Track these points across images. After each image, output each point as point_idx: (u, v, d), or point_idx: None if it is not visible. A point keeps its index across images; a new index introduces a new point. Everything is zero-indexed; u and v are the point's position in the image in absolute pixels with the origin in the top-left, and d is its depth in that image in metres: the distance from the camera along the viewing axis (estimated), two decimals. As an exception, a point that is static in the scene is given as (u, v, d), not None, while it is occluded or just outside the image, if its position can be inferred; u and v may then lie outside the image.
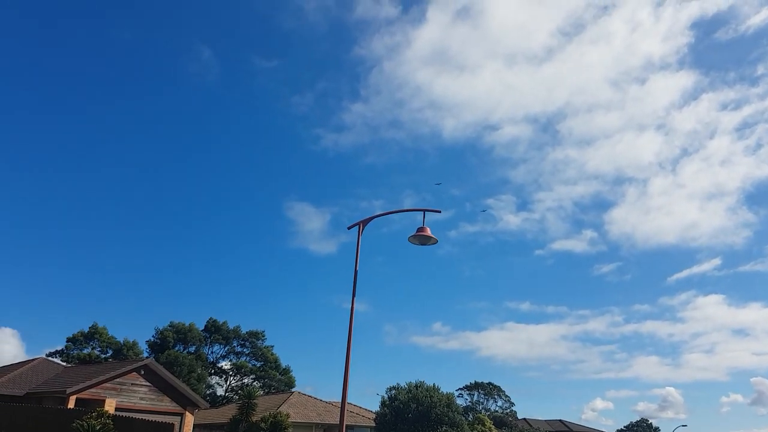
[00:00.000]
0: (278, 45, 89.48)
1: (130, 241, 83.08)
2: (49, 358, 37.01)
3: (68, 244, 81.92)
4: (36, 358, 33.51)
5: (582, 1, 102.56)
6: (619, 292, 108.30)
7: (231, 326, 57.11)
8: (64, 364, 40.00)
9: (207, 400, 45.26)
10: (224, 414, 36.01)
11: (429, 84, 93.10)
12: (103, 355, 50.12)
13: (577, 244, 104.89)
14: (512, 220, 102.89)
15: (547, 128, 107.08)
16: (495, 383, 71.62)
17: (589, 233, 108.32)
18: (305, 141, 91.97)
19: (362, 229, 13.34)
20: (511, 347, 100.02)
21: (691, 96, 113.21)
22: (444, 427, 32.03)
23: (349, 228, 13.57)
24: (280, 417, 28.92)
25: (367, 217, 13.34)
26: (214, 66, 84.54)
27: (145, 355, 50.31)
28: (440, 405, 32.81)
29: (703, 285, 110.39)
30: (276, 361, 56.76)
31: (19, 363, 33.28)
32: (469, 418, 43.60)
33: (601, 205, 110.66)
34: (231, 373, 56.21)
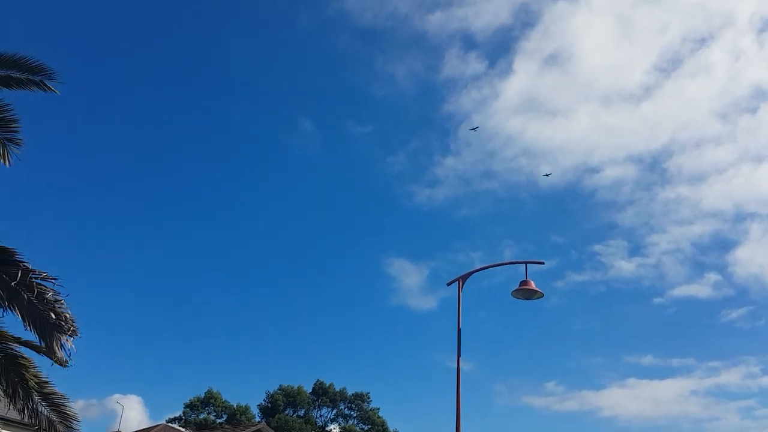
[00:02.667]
0: (372, 111, 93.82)
1: (238, 306, 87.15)
2: (170, 425, 38.71)
3: (183, 311, 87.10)
4: (158, 425, 35.13)
5: (676, 36, 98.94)
6: (752, 340, 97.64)
7: (337, 388, 57.19)
8: (183, 430, 41.61)
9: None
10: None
11: (521, 132, 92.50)
12: (218, 420, 51.72)
13: (701, 289, 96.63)
14: (625, 266, 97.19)
15: (654, 167, 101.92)
16: (620, 445, 65.78)
17: (712, 276, 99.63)
18: (400, 197, 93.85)
19: (462, 285, 12.98)
20: (636, 406, 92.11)
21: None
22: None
23: (448, 284, 13.26)
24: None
25: (467, 272, 12.98)
26: (315, 136, 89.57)
27: (257, 419, 51.31)
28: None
29: None
30: (383, 425, 55.79)
31: (143, 430, 35.01)
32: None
33: (723, 244, 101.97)
34: (340, 437, 55.87)
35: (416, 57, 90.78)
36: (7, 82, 10.46)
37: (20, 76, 10.58)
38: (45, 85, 10.94)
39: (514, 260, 12.67)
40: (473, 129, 67.83)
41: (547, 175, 68.64)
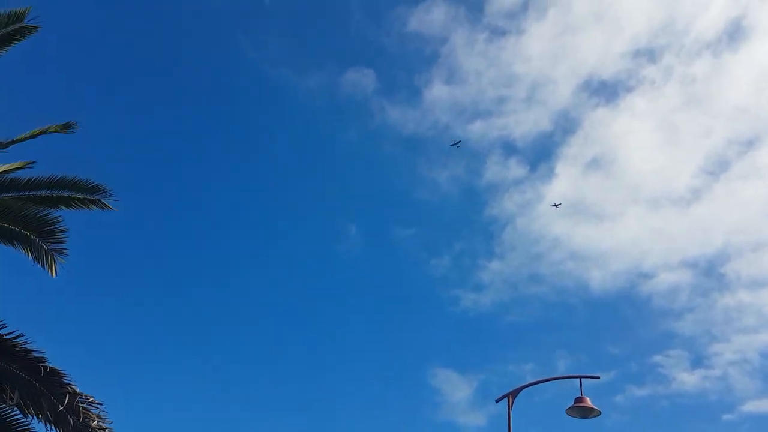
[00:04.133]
0: (415, 214, 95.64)
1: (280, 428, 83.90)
2: None
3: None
4: None
5: (720, 140, 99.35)
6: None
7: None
8: None
9: None
10: None
11: (568, 235, 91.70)
12: None
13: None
14: (688, 379, 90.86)
15: (710, 272, 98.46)
16: None
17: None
18: (444, 303, 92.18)
19: (512, 402, 12.36)
20: None
21: None
22: None
23: (497, 401, 12.66)
24: None
25: (517, 387, 12.41)
26: (358, 241, 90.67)
27: None
28: None
29: None
30: None
31: None
32: None
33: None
34: None
35: (458, 162, 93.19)
36: (68, 202, 10.96)
37: (80, 197, 11.09)
38: (102, 203, 11.42)
39: (567, 375, 12.10)
40: (456, 144, 64.22)
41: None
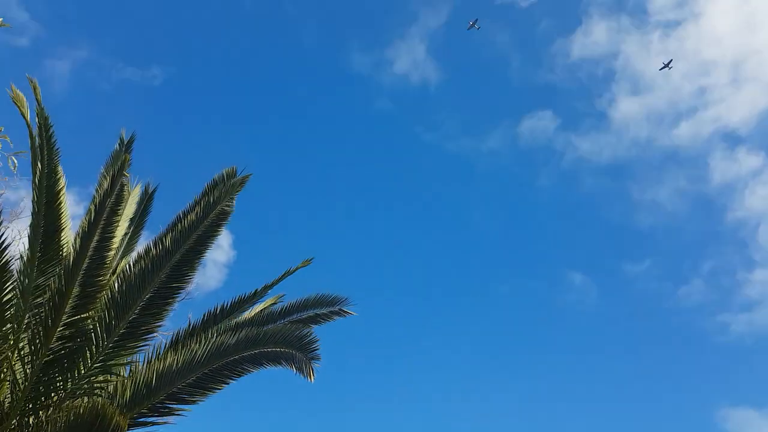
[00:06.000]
0: (644, 244, 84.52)
1: None
2: None
3: None
4: None
5: None
6: None
7: None
8: None
9: None
10: None
11: None
12: None
13: None
14: None
15: None
16: None
17: None
18: (709, 332, 77.70)
19: None
20: None
21: None
22: None
23: None
24: None
25: None
26: (587, 287, 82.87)
27: None
28: None
29: None
30: None
31: None
32: None
33: None
34: None
35: (676, 173, 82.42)
36: (316, 320, 12.11)
37: (325, 311, 12.19)
38: (344, 311, 12.42)
39: None
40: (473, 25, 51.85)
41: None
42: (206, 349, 9.03)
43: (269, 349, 10.56)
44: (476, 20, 56.13)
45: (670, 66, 63.39)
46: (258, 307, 12.17)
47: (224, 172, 10.50)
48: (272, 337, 10.30)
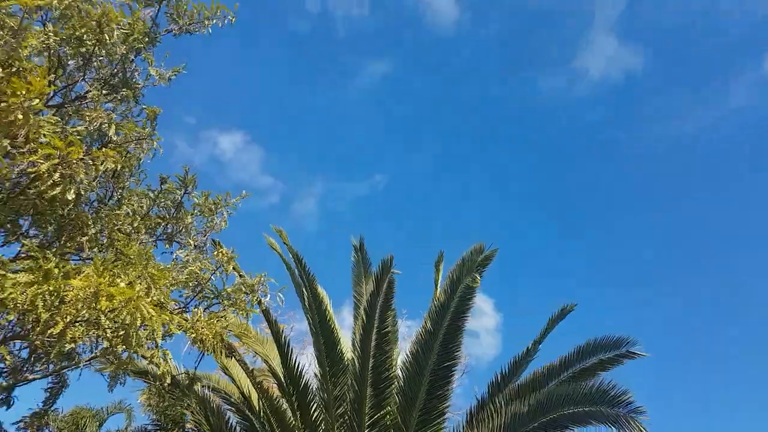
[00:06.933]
0: None
1: None
2: None
3: None
4: None
5: None
6: None
7: None
8: None
9: None
10: None
11: None
12: None
13: None
14: None
15: None
16: None
17: None
18: None
19: None
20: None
21: None
22: None
23: None
24: None
25: None
26: None
27: None
28: None
29: None
30: None
31: None
32: None
33: None
34: None
35: None
36: (603, 366, 11.03)
37: (610, 356, 11.04)
38: (633, 353, 11.13)
39: None
40: None
41: None
42: (501, 422, 8.69)
43: (571, 411, 9.80)
44: None
45: None
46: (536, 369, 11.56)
47: (472, 249, 10.50)
48: (570, 398, 9.54)
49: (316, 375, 10.26)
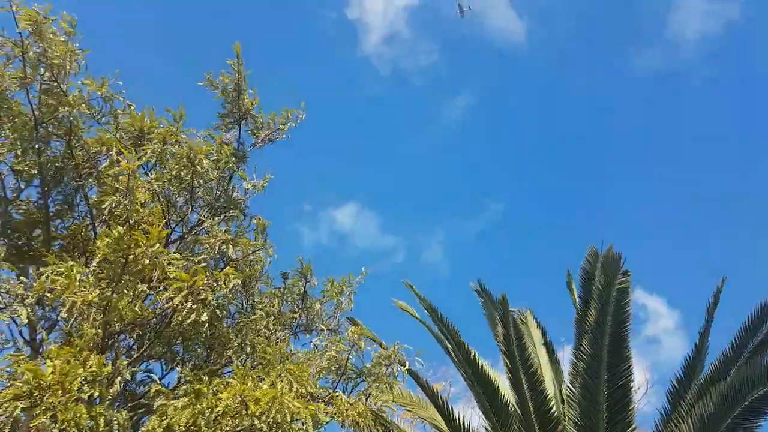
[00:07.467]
0: None
1: None
2: None
3: None
4: None
5: None
6: None
7: None
8: None
9: None
10: None
11: None
12: None
13: None
14: None
15: None
16: None
17: None
18: None
19: None
20: None
21: None
22: None
23: None
24: None
25: None
26: None
27: None
28: None
29: None
30: None
31: None
32: None
33: None
34: None
35: None
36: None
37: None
38: None
39: None
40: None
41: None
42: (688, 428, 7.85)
43: (764, 392, 8.60)
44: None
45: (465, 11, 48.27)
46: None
47: (603, 254, 9.85)
48: (755, 379, 8.38)
49: (486, 429, 9.92)
